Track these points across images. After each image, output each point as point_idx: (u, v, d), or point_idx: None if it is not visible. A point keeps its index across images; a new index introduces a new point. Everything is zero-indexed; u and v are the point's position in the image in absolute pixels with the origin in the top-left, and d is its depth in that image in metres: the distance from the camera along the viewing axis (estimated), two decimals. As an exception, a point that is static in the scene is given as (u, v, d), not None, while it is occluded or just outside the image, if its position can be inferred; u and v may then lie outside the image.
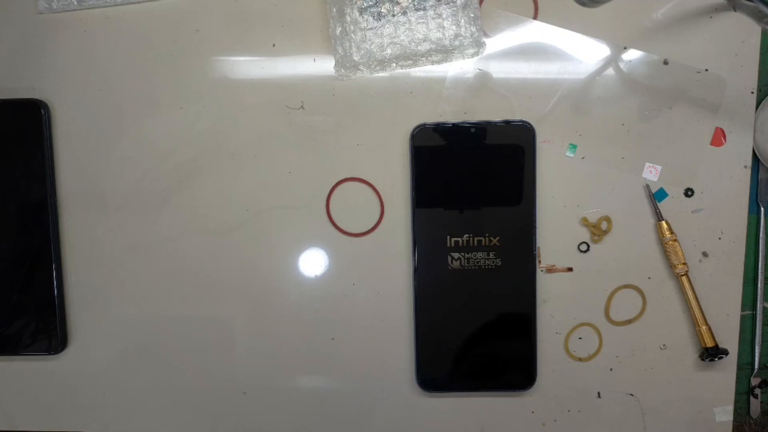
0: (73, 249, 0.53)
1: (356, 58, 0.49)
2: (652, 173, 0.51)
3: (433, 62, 0.50)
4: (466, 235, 0.50)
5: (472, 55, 0.50)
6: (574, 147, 0.51)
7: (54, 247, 0.52)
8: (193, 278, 0.52)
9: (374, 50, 0.49)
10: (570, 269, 0.52)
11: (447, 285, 0.51)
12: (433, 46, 0.49)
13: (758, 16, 0.41)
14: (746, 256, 0.51)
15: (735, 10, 0.45)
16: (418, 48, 0.49)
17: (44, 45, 0.51)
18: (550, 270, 0.52)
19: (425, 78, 0.51)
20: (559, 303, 0.52)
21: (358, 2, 0.49)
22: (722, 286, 0.51)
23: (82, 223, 0.52)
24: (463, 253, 0.50)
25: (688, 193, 0.51)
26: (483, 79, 0.51)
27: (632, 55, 0.50)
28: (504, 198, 0.50)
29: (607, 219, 0.51)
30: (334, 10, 0.49)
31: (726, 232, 0.51)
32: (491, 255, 0.50)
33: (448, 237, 0.50)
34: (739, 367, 0.53)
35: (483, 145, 0.50)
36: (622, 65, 0.50)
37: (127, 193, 0.52)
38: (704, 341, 0.51)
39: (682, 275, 0.51)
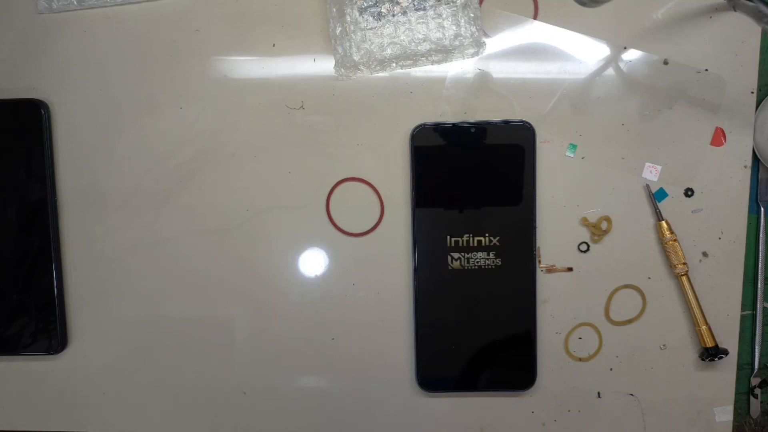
0: (73, 249, 0.53)
1: (356, 58, 0.49)
2: (652, 173, 0.51)
3: (433, 62, 0.50)
4: (466, 235, 0.50)
5: (472, 55, 0.50)
6: (574, 147, 0.51)
7: (54, 247, 0.52)
8: (193, 278, 0.52)
9: (374, 50, 0.49)
10: (570, 269, 0.52)
11: (447, 285, 0.51)
12: (433, 46, 0.49)
13: (758, 16, 0.41)
14: (746, 256, 0.51)
15: (735, 10, 0.45)
16: (418, 48, 0.49)
17: (44, 45, 0.51)
18: (550, 270, 0.52)
19: (425, 78, 0.51)
20: (559, 303, 0.52)
21: (358, 2, 0.49)
22: (722, 286, 0.51)
23: (82, 223, 0.52)
24: (463, 253, 0.50)
25: (688, 193, 0.51)
26: (483, 79, 0.51)
27: (632, 55, 0.50)
28: (504, 198, 0.50)
29: (607, 219, 0.51)
30: (334, 10, 0.49)
31: (726, 232, 0.51)
32: (491, 255, 0.50)
33: (448, 237, 0.50)
34: (739, 367, 0.53)
35: (483, 145, 0.50)
36: (622, 65, 0.50)
37: (127, 193, 0.52)
38: (704, 341, 0.51)
39: (682, 275, 0.51)
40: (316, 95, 0.51)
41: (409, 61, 0.50)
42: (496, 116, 0.50)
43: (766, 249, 0.53)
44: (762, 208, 0.52)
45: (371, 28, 0.49)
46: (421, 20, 0.49)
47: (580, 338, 0.52)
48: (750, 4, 0.41)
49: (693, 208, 0.51)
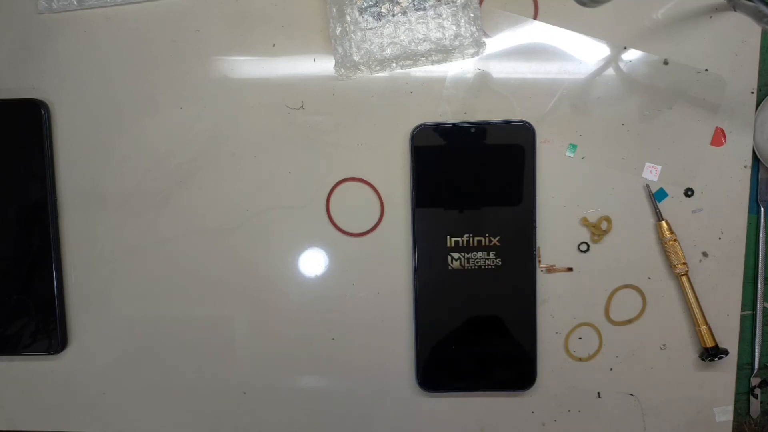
0: (73, 249, 0.53)
1: (356, 58, 0.49)
2: (652, 173, 0.51)
3: (433, 62, 0.50)
4: (466, 235, 0.50)
5: (472, 55, 0.50)
6: (574, 147, 0.51)
7: (54, 246, 0.52)
8: (193, 278, 0.52)
9: (374, 50, 0.49)
10: (570, 269, 0.52)
11: (447, 285, 0.51)
12: (433, 46, 0.49)
13: (758, 16, 0.41)
14: (746, 256, 0.51)
15: (735, 10, 0.45)
16: (418, 48, 0.49)
17: (44, 45, 0.51)
18: (550, 270, 0.52)
19: (425, 78, 0.51)
20: (559, 303, 0.52)
21: (358, 2, 0.49)
22: (722, 286, 0.51)
23: (82, 223, 0.52)
24: (463, 253, 0.50)
25: (688, 193, 0.51)
26: (483, 79, 0.51)
27: (632, 55, 0.50)
28: (504, 198, 0.50)
29: (607, 219, 0.51)
30: (334, 10, 0.49)
31: (726, 232, 0.51)
32: (491, 255, 0.50)
33: (448, 237, 0.50)
34: (739, 367, 0.53)
35: (483, 145, 0.50)
36: (622, 65, 0.50)
37: (127, 193, 0.52)
38: (704, 341, 0.51)
39: (682, 275, 0.51)
40: (316, 95, 0.51)
41: (409, 61, 0.50)
42: (496, 116, 0.50)
43: (766, 249, 0.53)
44: (762, 208, 0.52)
45: (371, 28, 0.49)
46: (421, 20, 0.49)
47: (580, 338, 0.52)
48: (750, 4, 0.41)
49: (693, 208, 0.51)
